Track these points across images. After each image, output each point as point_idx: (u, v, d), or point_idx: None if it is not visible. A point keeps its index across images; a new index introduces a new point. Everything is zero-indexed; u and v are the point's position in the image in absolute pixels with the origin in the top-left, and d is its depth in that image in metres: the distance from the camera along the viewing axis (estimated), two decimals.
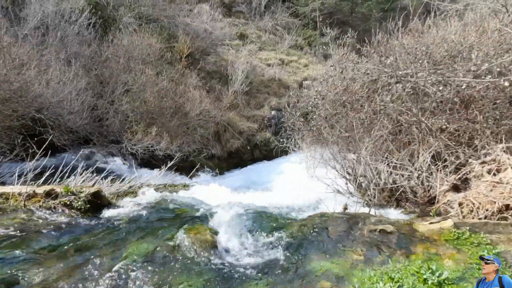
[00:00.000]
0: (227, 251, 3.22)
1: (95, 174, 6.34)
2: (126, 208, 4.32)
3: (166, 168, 7.95)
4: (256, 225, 3.80)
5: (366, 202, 5.35)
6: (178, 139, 9.74)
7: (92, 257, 3.20)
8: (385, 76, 4.95)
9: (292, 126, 6.16)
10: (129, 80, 9.09)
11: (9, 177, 6.68)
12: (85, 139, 8.60)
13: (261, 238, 3.47)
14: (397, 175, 5.07)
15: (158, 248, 3.15)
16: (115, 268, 2.99)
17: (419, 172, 4.76)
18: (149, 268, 2.96)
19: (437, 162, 4.69)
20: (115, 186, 6.48)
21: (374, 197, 5.48)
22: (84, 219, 3.92)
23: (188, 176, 10.28)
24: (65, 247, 3.39)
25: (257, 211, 4.36)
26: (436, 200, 4.58)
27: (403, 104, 4.67)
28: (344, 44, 6.07)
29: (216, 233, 3.50)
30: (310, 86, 12.02)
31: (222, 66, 13.05)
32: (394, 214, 4.86)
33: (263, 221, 3.97)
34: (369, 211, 4.23)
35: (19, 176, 5.90)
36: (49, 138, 7.81)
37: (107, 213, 4.16)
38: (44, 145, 6.08)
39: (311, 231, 3.51)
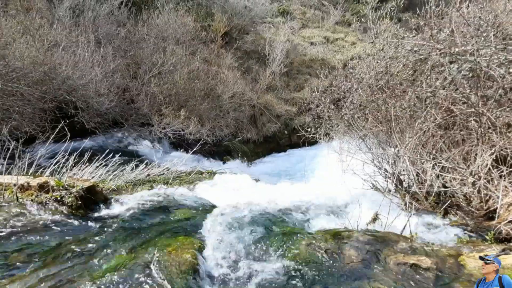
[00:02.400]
0: (208, 277, 2.57)
1: (117, 158, 6.06)
2: (121, 206, 3.84)
3: (191, 153, 7.50)
4: (258, 238, 3.10)
5: (406, 206, 4.38)
6: (210, 122, 9.23)
7: (61, 270, 2.74)
8: (436, 54, 3.83)
9: (321, 114, 5.25)
10: (159, 61, 8.64)
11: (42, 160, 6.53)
12: (115, 122, 8.39)
13: (257, 260, 2.76)
14: (445, 177, 4.02)
15: (128, 269, 2.59)
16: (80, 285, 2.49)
17: (476, 177, 3.68)
18: None
19: (500, 167, 3.57)
20: (134, 174, 6.14)
21: (417, 201, 4.49)
22: (72, 219, 3.49)
23: (222, 162, 9.83)
24: (39, 253, 2.99)
25: (268, 217, 3.64)
26: (497, 215, 3.51)
27: (458, 90, 3.57)
28: (387, 15, 4.91)
29: (202, 249, 2.85)
30: (356, 66, 10.76)
31: (261, 45, 12.16)
32: (439, 224, 3.88)
33: (269, 232, 3.25)
34: (402, 230, 3.31)
35: (50, 158, 5.79)
36: (80, 121, 7.76)
37: (99, 212, 3.72)
38: (58, 124, 5.87)
39: (322, 255, 2.73)
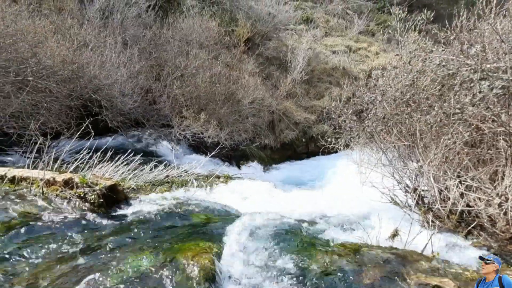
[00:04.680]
0: (225, 284, 2.56)
1: (138, 158, 6.19)
2: (141, 206, 3.89)
3: (209, 156, 7.55)
4: (276, 248, 3.07)
5: (428, 223, 4.26)
6: (229, 126, 9.28)
7: (80, 265, 2.79)
8: (466, 70, 3.73)
9: (342, 125, 5.20)
10: (182, 64, 8.77)
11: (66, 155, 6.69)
12: (136, 121, 8.54)
13: (274, 271, 2.74)
14: (469, 197, 3.90)
15: (145, 269, 2.61)
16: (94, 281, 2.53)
17: (503, 198, 3.55)
18: None
19: None
20: (153, 174, 6.23)
21: (438, 218, 4.37)
22: (93, 216, 3.56)
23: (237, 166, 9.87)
24: (60, 247, 3.05)
25: (285, 226, 3.61)
26: None
27: (488, 108, 3.47)
28: (415, 27, 4.81)
29: (220, 255, 2.86)
30: (380, 77, 10.58)
31: (283, 52, 12.18)
32: (462, 245, 3.76)
33: (287, 242, 3.22)
34: (423, 248, 3.22)
35: (75, 154, 5.93)
36: (103, 120, 7.94)
37: (119, 211, 3.78)
38: (83, 122, 6.01)
39: (339, 272, 2.68)
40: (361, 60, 13.38)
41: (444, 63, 4.04)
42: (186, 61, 8.75)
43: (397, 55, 4.78)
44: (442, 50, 4.36)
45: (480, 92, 3.45)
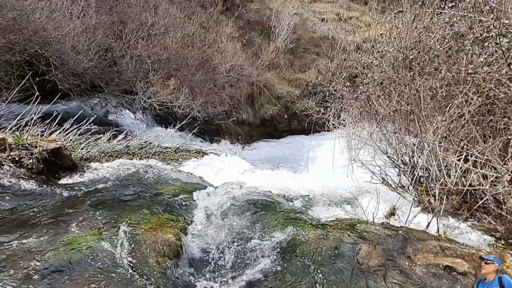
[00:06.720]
0: (193, 263, 2.27)
1: (91, 124, 5.78)
2: (94, 175, 3.51)
3: (178, 127, 7.16)
4: (254, 221, 2.80)
5: (424, 205, 4.11)
6: (202, 96, 8.85)
7: (13, 242, 2.40)
8: (479, 28, 3.54)
9: (333, 92, 4.94)
10: (149, 20, 8.18)
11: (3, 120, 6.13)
12: (93, 85, 7.95)
13: (252, 248, 2.46)
14: (476, 174, 3.76)
15: (99, 245, 2.27)
16: (31, 265, 2.17)
17: None
18: (75, 274, 2.09)
19: None
20: (110, 144, 5.80)
21: (437, 200, 4.23)
22: (31, 184, 3.15)
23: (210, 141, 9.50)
24: None
25: (266, 201, 3.34)
26: None
27: (509, 68, 3.26)
28: None
29: (186, 230, 2.54)
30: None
31: (266, 16, 11.72)
32: (465, 228, 3.63)
33: (267, 216, 2.95)
34: (427, 225, 3.05)
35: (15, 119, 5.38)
36: (52, 80, 7.33)
37: (65, 178, 3.38)
38: (27, 82, 5.44)
39: (333, 251, 2.43)
40: (352, 30, 13.13)
41: (454, 19, 3.83)
42: (153, 16, 8.16)
43: (400, 11, 4.52)
44: (450, 7, 4.15)
45: (497, 50, 3.25)
